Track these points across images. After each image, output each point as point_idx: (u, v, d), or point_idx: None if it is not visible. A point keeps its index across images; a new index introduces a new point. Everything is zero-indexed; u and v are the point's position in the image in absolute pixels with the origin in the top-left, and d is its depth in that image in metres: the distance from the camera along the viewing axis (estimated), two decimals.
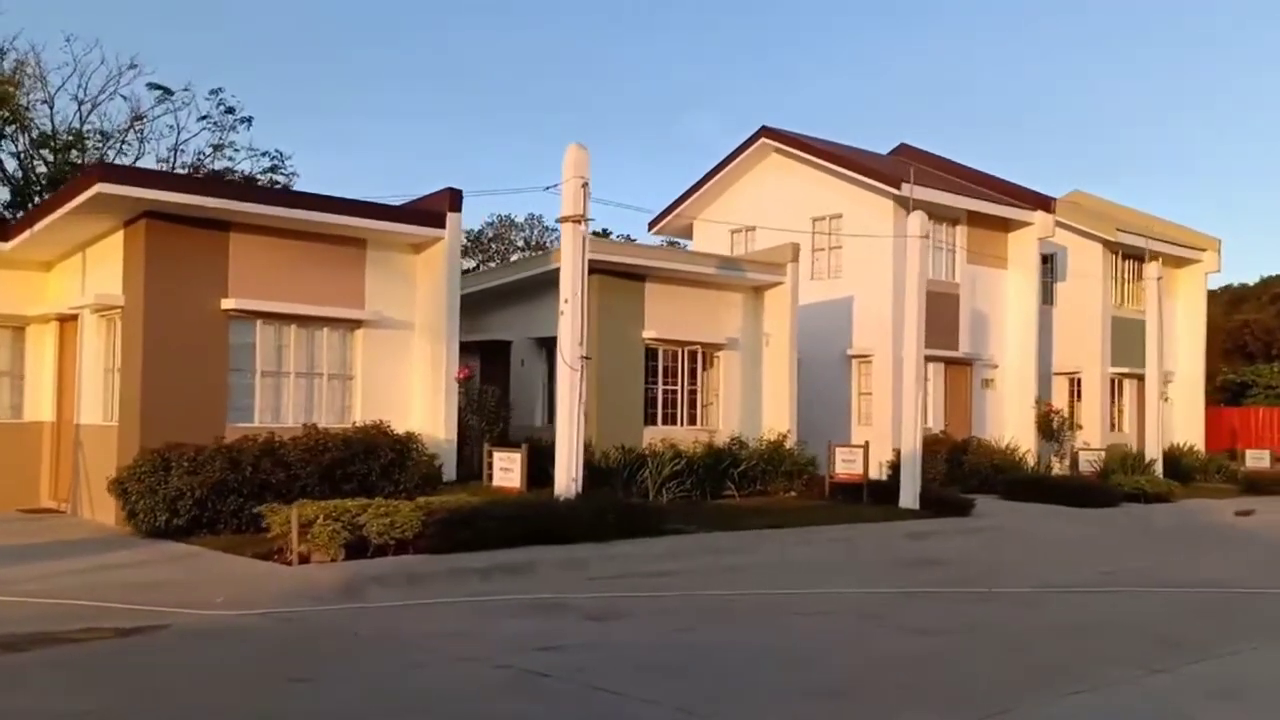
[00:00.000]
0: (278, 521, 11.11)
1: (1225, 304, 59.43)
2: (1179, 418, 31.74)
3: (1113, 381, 29.04)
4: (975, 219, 25.83)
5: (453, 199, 15.71)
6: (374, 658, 7.54)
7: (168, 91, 36.39)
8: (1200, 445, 31.16)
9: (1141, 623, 9.32)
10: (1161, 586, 11.58)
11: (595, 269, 18.73)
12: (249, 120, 37.47)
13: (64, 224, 14.11)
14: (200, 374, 13.86)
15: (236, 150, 37.79)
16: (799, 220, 25.52)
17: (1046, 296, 30.25)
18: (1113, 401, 29.26)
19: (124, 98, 39.26)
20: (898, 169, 25.13)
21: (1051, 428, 26.14)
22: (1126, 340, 28.52)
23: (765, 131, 26.39)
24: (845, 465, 19.64)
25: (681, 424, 20.15)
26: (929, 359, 24.78)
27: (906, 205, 24.48)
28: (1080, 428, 28.95)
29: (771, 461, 19.87)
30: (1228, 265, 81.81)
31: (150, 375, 13.44)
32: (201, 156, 38.18)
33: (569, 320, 14.02)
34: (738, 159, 27.00)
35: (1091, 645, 8.31)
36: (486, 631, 8.59)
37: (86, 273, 15.30)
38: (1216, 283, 61.69)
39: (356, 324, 15.44)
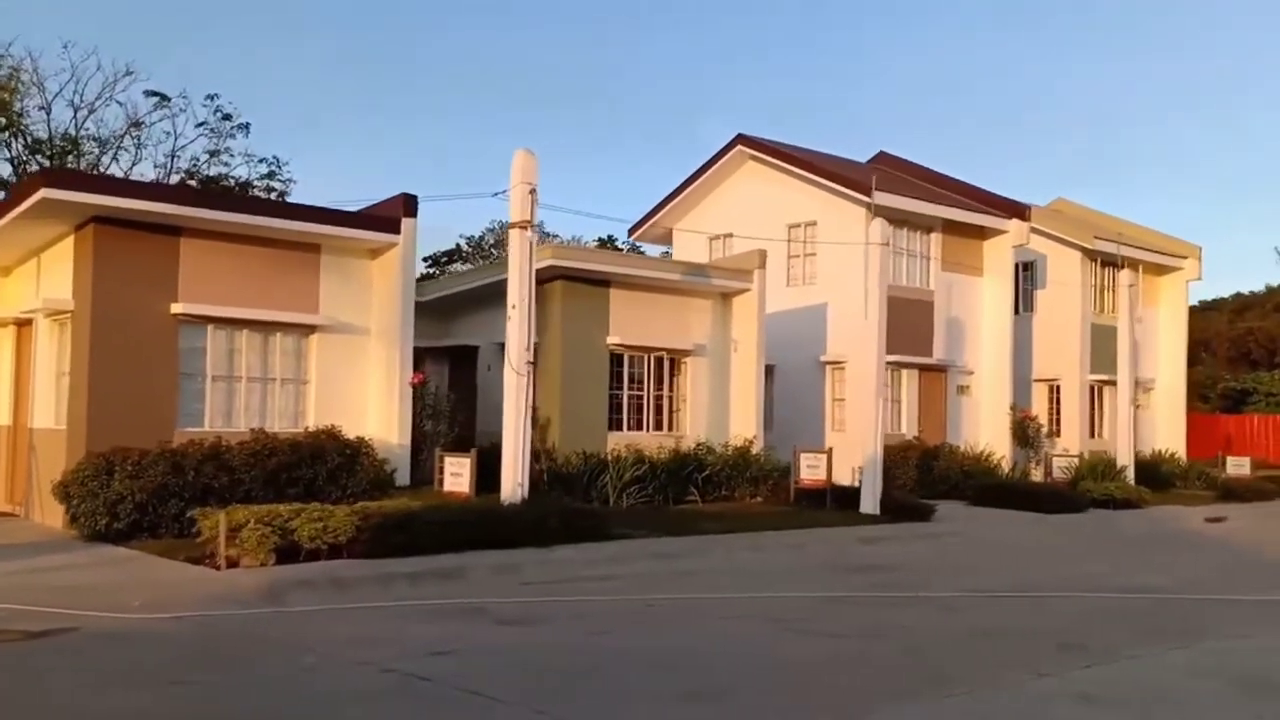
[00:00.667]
0: (208, 526, 11.16)
1: (1230, 312, 59.42)
2: (1160, 424, 31.66)
3: (1092, 388, 28.98)
4: (951, 227, 25.85)
5: (407, 204, 15.79)
6: (266, 662, 7.57)
7: (164, 98, 36.62)
8: (1182, 452, 31.05)
9: (1057, 627, 9.30)
10: (1097, 592, 11.56)
11: (559, 275, 18.88)
12: (246, 126, 37.70)
13: (14, 229, 14.22)
14: (149, 378, 13.93)
15: (232, 156, 38.02)
16: (775, 227, 25.55)
17: (1027, 304, 30.28)
18: (1093, 408, 29.20)
19: (120, 104, 39.45)
20: (871, 177, 25.16)
21: (1027, 434, 26.09)
22: (1106, 347, 28.43)
23: (741, 139, 26.45)
24: (810, 471, 19.64)
25: (648, 429, 20.19)
26: (903, 365, 24.85)
27: (879, 213, 24.55)
28: (1059, 434, 28.91)
29: (737, 467, 19.89)
30: (1213, 273, 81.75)
31: (97, 379, 13.51)
32: (196, 162, 38.38)
33: (516, 325, 14.07)
34: (715, 166, 27.07)
35: (993, 649, 8.32)
36: (394, 636, 8.61)
37: (40, 277, 15.41)
38: (1205, 291, 61.93)
39: (311, 329, 15.51)
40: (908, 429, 24.84)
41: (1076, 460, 24.22)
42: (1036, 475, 25.57)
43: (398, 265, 15.79)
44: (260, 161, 38.53)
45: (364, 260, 16.08)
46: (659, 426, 20.41)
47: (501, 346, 20.34)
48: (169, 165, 38.12)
